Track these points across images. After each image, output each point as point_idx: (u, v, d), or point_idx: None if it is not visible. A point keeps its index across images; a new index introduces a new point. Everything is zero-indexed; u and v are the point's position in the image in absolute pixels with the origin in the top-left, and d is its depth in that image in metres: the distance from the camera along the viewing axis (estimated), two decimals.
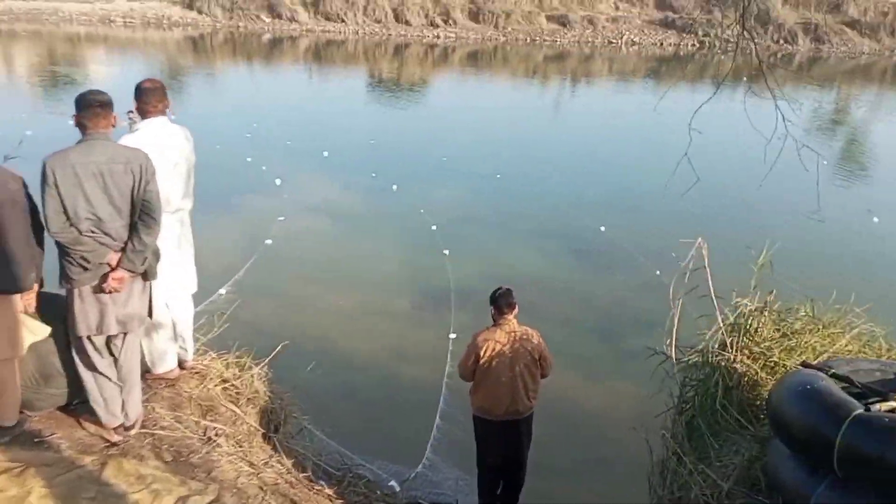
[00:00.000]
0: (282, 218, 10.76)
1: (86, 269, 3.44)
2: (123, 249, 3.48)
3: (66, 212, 3.32)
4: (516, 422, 4.59)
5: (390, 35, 40.32)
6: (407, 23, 42.20)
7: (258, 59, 31.80)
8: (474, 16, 43.64)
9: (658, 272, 8.50)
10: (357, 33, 40.49)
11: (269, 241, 9.83)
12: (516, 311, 4.54)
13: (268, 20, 41.35)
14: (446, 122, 19.75)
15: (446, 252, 9.74)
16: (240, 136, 15.62)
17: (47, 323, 3.71)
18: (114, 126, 3.49)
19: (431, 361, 7.17)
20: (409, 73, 29.83)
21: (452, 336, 7.54)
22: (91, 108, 3.36)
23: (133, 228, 3.49)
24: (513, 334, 4.47)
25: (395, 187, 12.78)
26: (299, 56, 33.24)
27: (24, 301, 3.54)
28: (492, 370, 4.44)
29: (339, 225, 11.21)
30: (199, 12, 40.11)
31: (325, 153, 14.69)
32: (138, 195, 3.44)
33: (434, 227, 10.67)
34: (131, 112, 3.94)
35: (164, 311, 4.18)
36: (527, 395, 4.52)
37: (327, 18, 41.75)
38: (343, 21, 41.68)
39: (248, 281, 8.56)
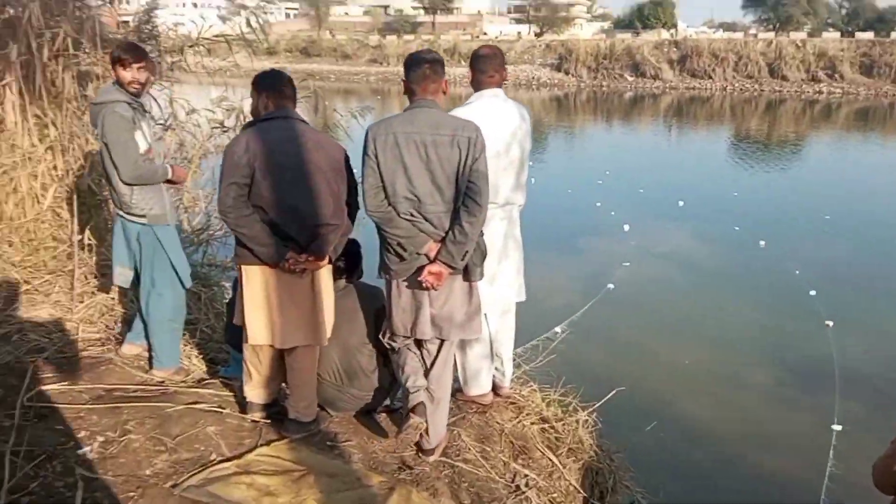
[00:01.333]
0: (627, 263, 9.88)
1: (402, 258, 2.97)
2: (443, 240, 2.94)
3: (384, 188, 2.90)
4: None
5: (762, 91, 37.24)
6: (783, 78, 38.68)
7: (618, 114, 31.84)
8: (866, 69, 38.19)
9: None
10: (724, 89, 38.28)
11: (611, 286, 9.00)
12: None
13: (631, 79, 41.50)
14: (825, 180, 16.99)
15: (829, 324, 7.80)
16: (591, 182, 15.33)
17: (362, 315, 3.33)
18: (444, 93, 3.00)
19: (805, 455, 5.51)
20: (782, 130, 26.83)
21: (836, 428, 5.75)
22: (419, 67, 2.91)
23: (454, 215, 2.93)
24: None
25: (762, 243, 10.98)
26: (660, 112, 32.43)
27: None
28: None
29: (691, 276, 9.89)
30: (567, 73, 41.93)
31: (681, 203, 13.46)
32: (463, 174, 2.87)
33: (813, 293, 8.73)
34: None
35: (482, 323, 3.55)
36: None
37: (693, 75, 40.41)
38: (710, 77, 39.89)
39: (584, 322, 7.80)
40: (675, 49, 42.42)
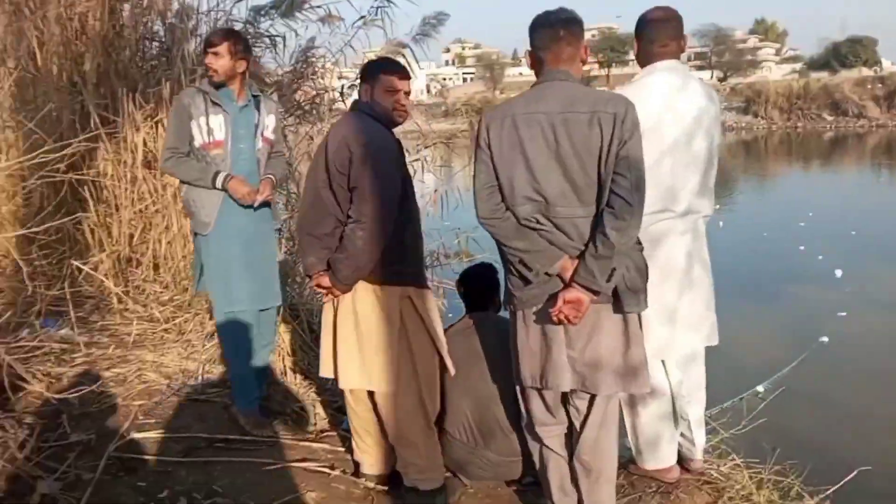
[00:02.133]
0: (843, 313, 8.30)
1: (527, 280, 2.26)
2: (581, 254, 2.18)
3: (500, 187, 2.24)
4: None
5: None
6: None
7: (816, 156, 28.91)
8: None
9: None
10: None
11: (824, 339, 7.51)
12: None
13: (830, 118, 37.91)
14: None
15: None
16: (791, 225, 13.57)
17: (500, 358, 2.60)
18: (583, 62, 2.30)
19: None
20: None
21: None
22: (549, 27, 2.22)
23: (597, 220, 2.17)
24: None
25: None
26: (866, 152, 29.01)
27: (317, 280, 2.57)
28: None
29: None
30: (755, 116, 39.11)
31: None
32: (607, 163, 2.13)
33: None
34: None
35: (658, 372, 2.69)
36: None
37: None
38: None
39: (794, 381, 6.42)
40: (880, 85, 38.23)
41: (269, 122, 3.16)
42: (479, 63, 72.95)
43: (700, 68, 67.98)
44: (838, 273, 9.89)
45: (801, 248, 11.57)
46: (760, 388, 6.10)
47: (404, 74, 2.53)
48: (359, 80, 2.68)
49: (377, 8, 5.82)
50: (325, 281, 2.46)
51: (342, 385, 2.57)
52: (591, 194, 2.18)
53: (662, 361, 2.71)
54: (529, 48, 2.32)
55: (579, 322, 2.20)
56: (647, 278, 2.30)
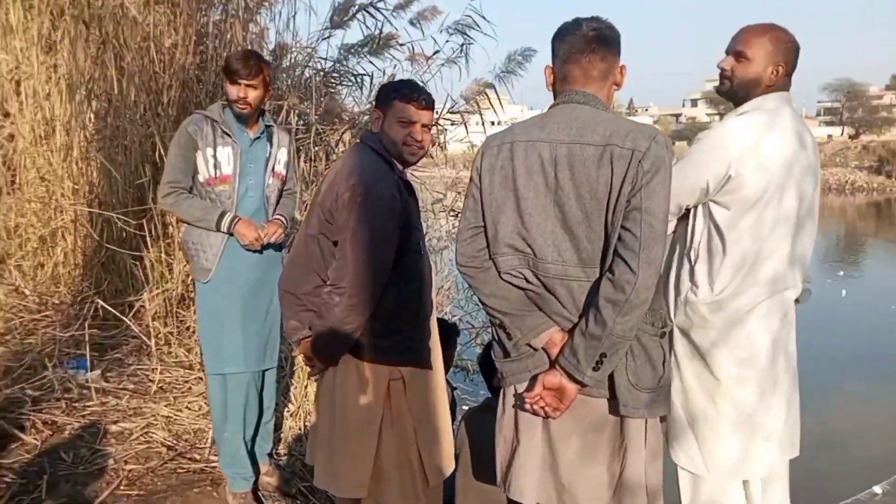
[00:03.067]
0: None
1: (506, 351, 1.83)
2: (572, 329, 1.70)
3: (485, 230, 1.81)
4: None
5: None
6: None
7: None
8: None
9: None
10: None
11: None
12: None
13: None
14: None
15: None
16: None
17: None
18: (618, 86, 1.83)
19: None
20: None
21: None
22: (571, 36, 1.75)
23: (598, 285, 1.68)
24: None
25: None
26: None
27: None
28: None
29: None
30: (889, 176, 36.19)
31: None
32: (615, 211, 1.65)
33: None
34: None
35: (733, 497, 2.06)
36: None
37: None
38: None
39: None
40: None
41: (282, 156, 2.80)
42: None
43: (830, 124, 64.27)
44: None
45: None
46: (878, 490, 5.13)
47: (424, 104, 2.04)
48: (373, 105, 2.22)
49: (462, 45, 5.52)
50: (308, 350, 2.02)
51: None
52: (593, 251, 1.69)
53: (743, 482, 2.08)
54: (550, 63, 1.83)
55: (560, 415, 1.70)
56: (665, 375, 1.78)
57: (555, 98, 1.81)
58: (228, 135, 2.64)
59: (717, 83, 2.12)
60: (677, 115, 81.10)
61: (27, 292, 4.88)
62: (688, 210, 2.06)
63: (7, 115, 5.57)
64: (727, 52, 2.08)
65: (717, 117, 70.82)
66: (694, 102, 79.78)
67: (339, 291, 1.88)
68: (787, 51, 2.04)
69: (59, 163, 5.27)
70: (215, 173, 2.63)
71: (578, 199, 1.67)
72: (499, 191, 1.76)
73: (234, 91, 2.59)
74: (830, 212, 30.03)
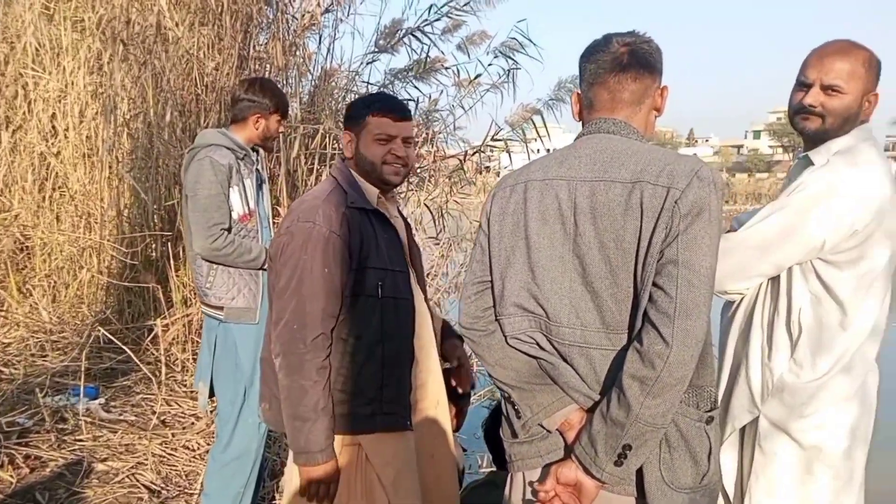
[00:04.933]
0: None
1: (513, 431, 1.50)
2: (591, 409, 1.39)
3: (492, 286, 1.50)
4: None
5: None
6: None
7: None
8: None
9: None
10: None
11: None
12: None
13: None
14: None
15: None
16: None
17: None
18: (658, 112, 1.51)
19: None
20: None
21: None
22: (609, 54, 1.43)
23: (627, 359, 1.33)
24: None
25: None
26: None
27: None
28: None
29: None
30: None
31: None
32: (647, 264, 1.32)
33: None
34: None
35: None
36: None
37: None
38: None
39: None
40: None
41: (265, 177, 2.64)
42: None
43: None
44: None
45: None
46: None
47: (402, 115, 1.75)
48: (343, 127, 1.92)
49: (509, 71, 5.25)
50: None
51: None
52: (620, 313, 1.36)
53: None
54: (578, 88, 1.53)
55: None
56: (711, 471, 1.39)
57: (582, 128, 1.52)
58: (248, 162, 2.49)
59: (801, 118, 1.67)
60: (739, 147, 78.60)
61: (46, 313, 4.77)
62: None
63: (55, 133, 5.58)
64: (806, 83, 1.68)
65: (779, 150, 68.14)
66: (757, 134, 77.37)
67: (277, 353, 1.59)
68: (878, 75, 1.67)
69: (95, 182, 5.23)
70: (246, 208, 2.44)
71: (602, 250, 1.36)
72: (510, 238, 1.46)
73: (274, 126, 2.56)
74: None
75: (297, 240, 1.60)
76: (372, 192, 1.74)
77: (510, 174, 1.55)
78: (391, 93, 5.75)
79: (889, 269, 1.63)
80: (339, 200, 1.67)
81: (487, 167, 5.53)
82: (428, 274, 5.10)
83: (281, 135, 2.95)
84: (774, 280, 1.69)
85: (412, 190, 5.44)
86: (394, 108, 1.73)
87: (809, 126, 1.68)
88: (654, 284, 1.30)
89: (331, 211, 1.63)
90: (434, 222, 5.64)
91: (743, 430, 1.73)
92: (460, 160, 5.55)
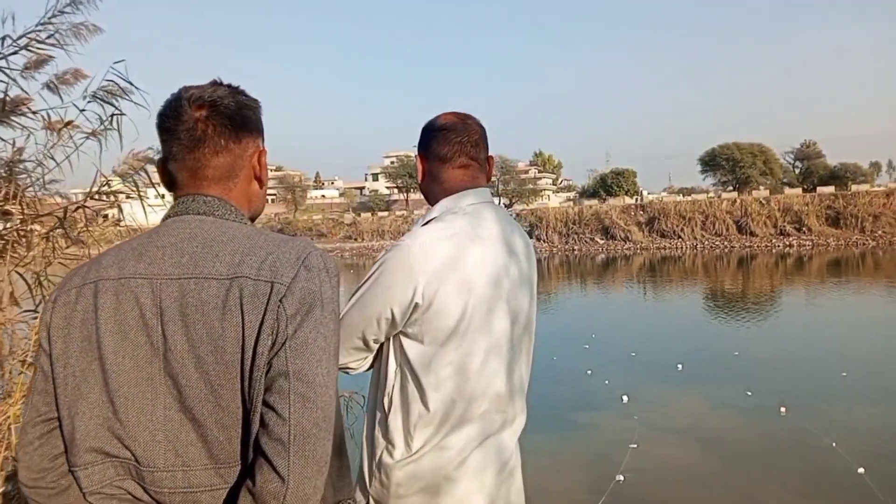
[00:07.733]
0: (634, 445, 8.17)
1: None
2: None
3: (60, 425, 1.20)
4: None
5: (732, 247, 37.67)
6: (752, 234, 39.31)
7: (592, 276, 31.61)
8: (833, 221, 39.10)
9: None
10: (695, 247, 38.80)
11: (620, 478, 7.23)
12: None
13: (601, 242, 42.15)
14: (829, 334, 15.90)
15: None
16: (577, 347, 14.01)
17: None
18: (258, 175, 1.32)
19: None
20: (758, 285, 26.30)
21: None
22: (174, 112, 1.25)
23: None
24: None
25: (783, 410, 9.44)
26: (633, 272, 32.27)
27: None
28: None
29: (713, 457, 8.17)
30: (538, 239, 42.31)
31: (679, 366, 12.05)
32: (253, 378, 1.14)
33: (861, 471, 7.10)
34: None
35: None
36: None
37: (662, 235, 41.36)
38: (679, 237, 40.43)
39: None
40: (642, 212, 43.52)
41: None
42: (281, 185, 72.51)
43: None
44: (624, 398, 10.00)
45: (589, 371, 11.79)
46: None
47: None
48: None
49: (112, 116, 4.87)
50: None
51: None
52: (230, 443, 1.13)
53: None
54: (159, 158, 1.29)
55: None
56: None
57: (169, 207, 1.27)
58: None
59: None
60: (361, 188, 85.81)
61: None
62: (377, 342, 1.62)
63: None
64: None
65: (395, 190, 76.12)
66: (375, 177, 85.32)
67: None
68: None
69: None
70: None
71: (199, 365, 1.10)
72: (77, 360, 1.13)
73: None
74: None
75: None
76: None
77: (76, 271, 1.22)
78: None
79: (480, 334, 1.64)
80: None
81: (106, 215, 5.02)
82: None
83: None
84: (378, 353, 1.67)
85: None
86: None
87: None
88: (265, 403, 1.09)
89: None
90: (31, 292, 4.88)
91: None
92: (59, 218, 4.95)
